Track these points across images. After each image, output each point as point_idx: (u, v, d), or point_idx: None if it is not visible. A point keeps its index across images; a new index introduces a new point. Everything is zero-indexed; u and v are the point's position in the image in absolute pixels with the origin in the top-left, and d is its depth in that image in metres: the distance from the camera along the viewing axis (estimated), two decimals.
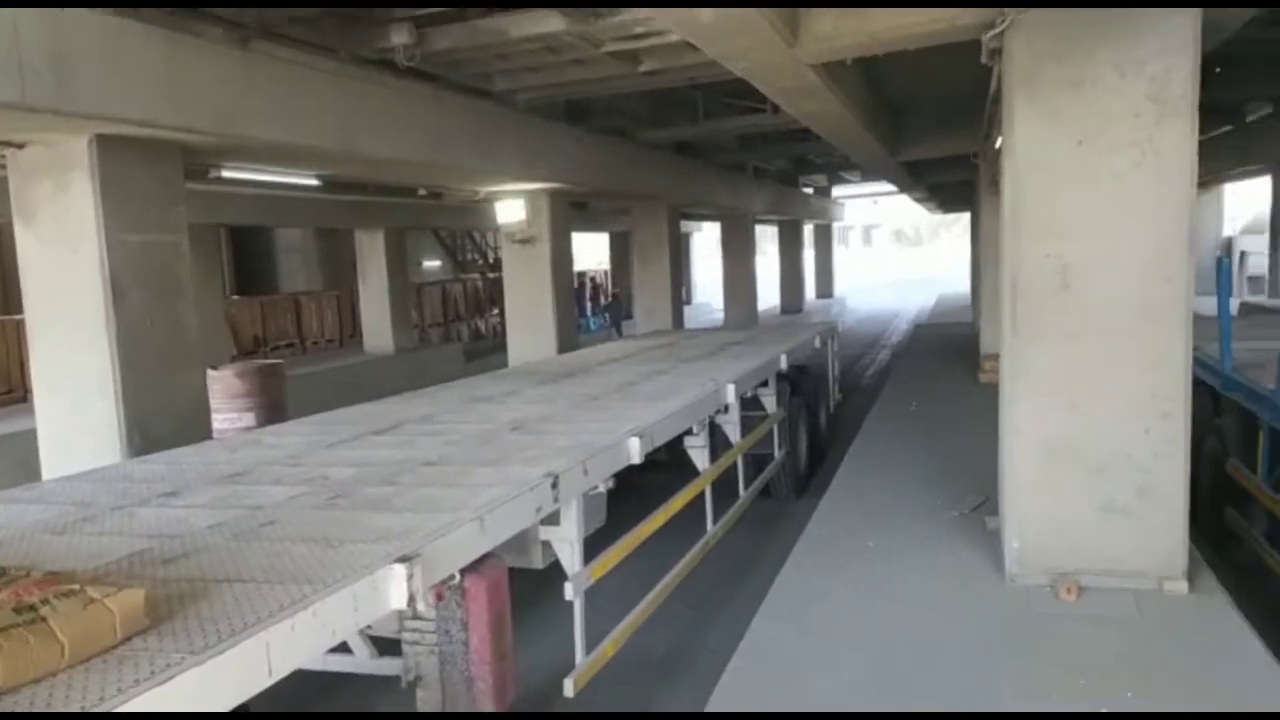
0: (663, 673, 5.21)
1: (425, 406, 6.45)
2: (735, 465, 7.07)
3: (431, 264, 25.22)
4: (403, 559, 2.88)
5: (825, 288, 38.00)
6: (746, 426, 7.25)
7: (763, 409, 7.93)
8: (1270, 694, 3.89)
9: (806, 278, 34.08)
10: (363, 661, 3.94)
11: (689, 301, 31.82)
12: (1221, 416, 7.23)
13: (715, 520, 6.35)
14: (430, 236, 24.94)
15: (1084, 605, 4.79)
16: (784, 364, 8.42)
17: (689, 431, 6.10)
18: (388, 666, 3.75)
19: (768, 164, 21.38)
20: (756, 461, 7.82)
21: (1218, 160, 17.82)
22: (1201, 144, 17.40)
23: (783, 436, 8.27)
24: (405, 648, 3.48)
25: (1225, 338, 7.23)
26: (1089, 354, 4.81)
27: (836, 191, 31.67)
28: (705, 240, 41.17)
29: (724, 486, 6.68)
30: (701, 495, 6.15)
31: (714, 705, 4.05)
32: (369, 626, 3.32)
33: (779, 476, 8.28)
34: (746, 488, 7.35)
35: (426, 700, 3.45)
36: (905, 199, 29.47)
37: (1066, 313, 4.81)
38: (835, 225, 39.68)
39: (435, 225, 22.11)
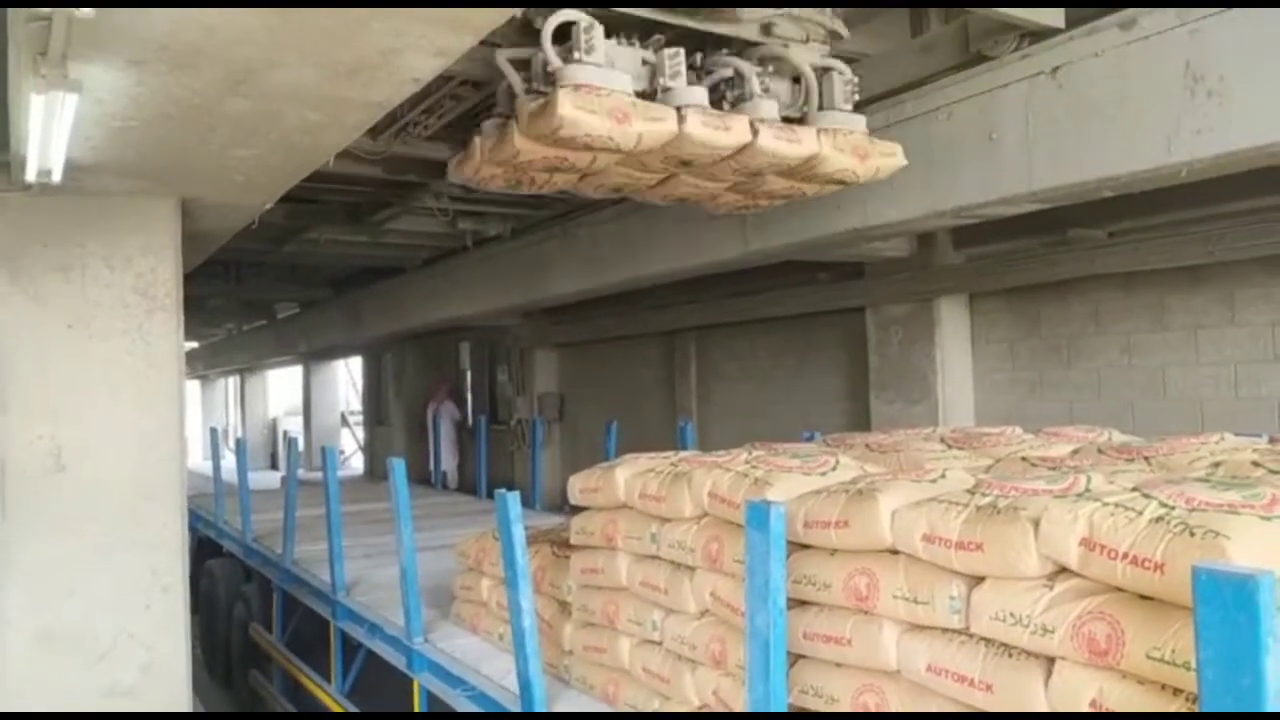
0: None
1: None
2: None
3: None
4: None
5: None
6: None
7: None
8: None
9: None
10: None
11: None
12: (250, 583, 7.88)
13: None
14: None
15: None
16: None
17: None
18: None
19: None
20: None
21: (258, 349, 19.75)
22: (245, 334, 18.98)
23: None
24: None
25: (245, 511, 8.01)
26: (87, 535, 4.74)
27: None
28: None
29: None
30: None
31: None
32: None
33: None
34: None
35: None
36: None
37: (62, 496, 4.68)
38: None
39: None
